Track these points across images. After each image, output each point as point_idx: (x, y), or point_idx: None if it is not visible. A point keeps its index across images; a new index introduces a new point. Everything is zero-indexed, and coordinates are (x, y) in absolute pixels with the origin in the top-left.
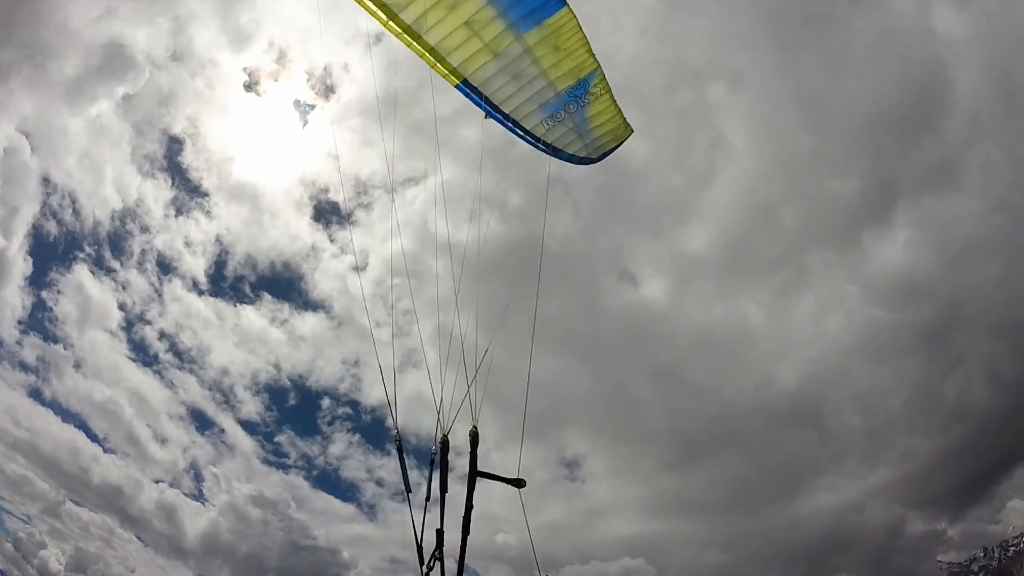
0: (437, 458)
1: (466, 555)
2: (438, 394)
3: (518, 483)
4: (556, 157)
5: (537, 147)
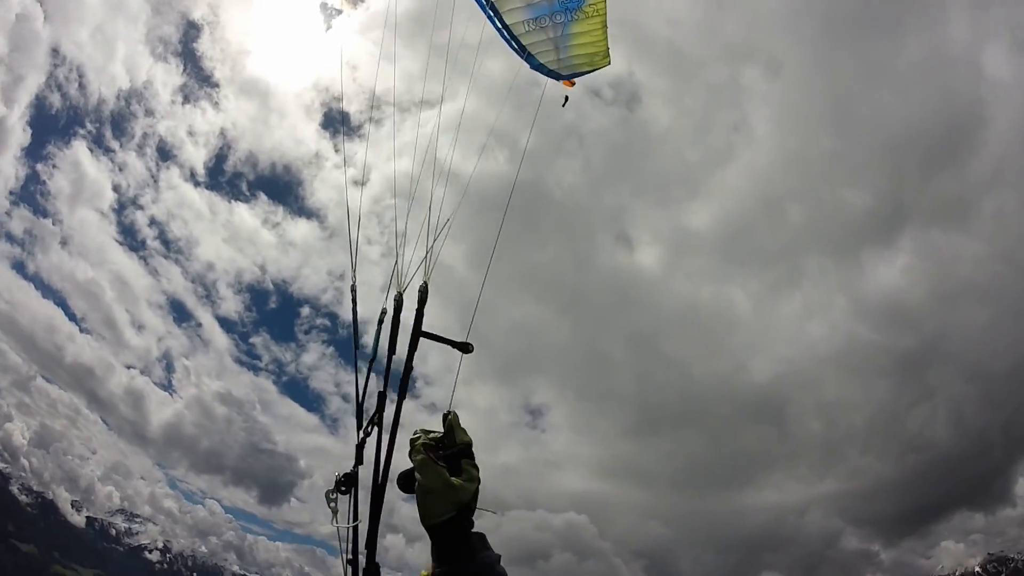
0: (388, 316)
1: (400, 420)
2: (397, 249)
3: (464, 347)
4: (527, 62)
5: (510, 45)
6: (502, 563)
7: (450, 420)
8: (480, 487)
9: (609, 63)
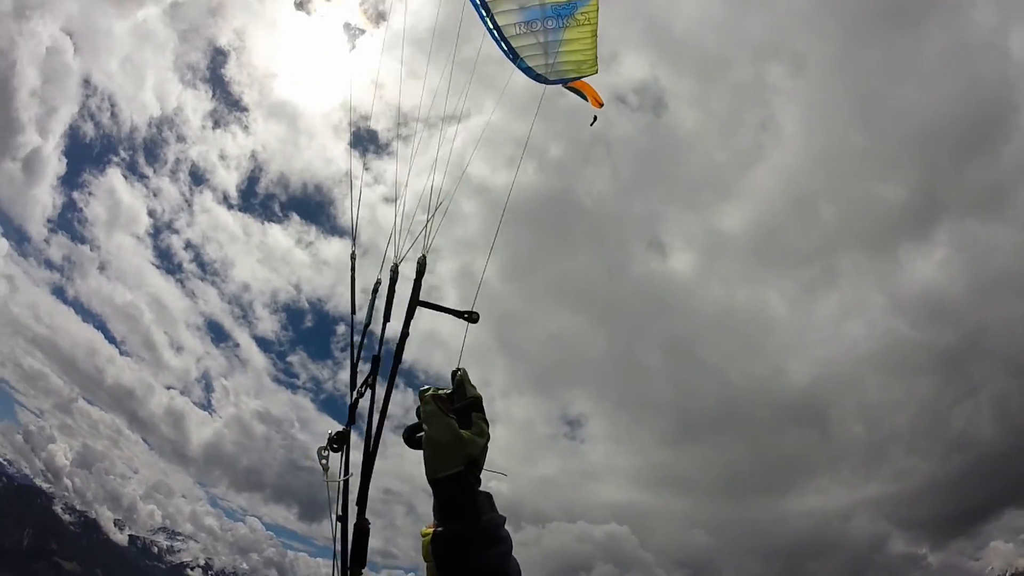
0: (383, 287)
1: (395, 382)
2: (398, 220)
3: (470, 317)
4: (513, 63)
5: (500, 46)
6: (519, 567)
7: (460, 376)
8: (489, 443)
9: (596, 71)
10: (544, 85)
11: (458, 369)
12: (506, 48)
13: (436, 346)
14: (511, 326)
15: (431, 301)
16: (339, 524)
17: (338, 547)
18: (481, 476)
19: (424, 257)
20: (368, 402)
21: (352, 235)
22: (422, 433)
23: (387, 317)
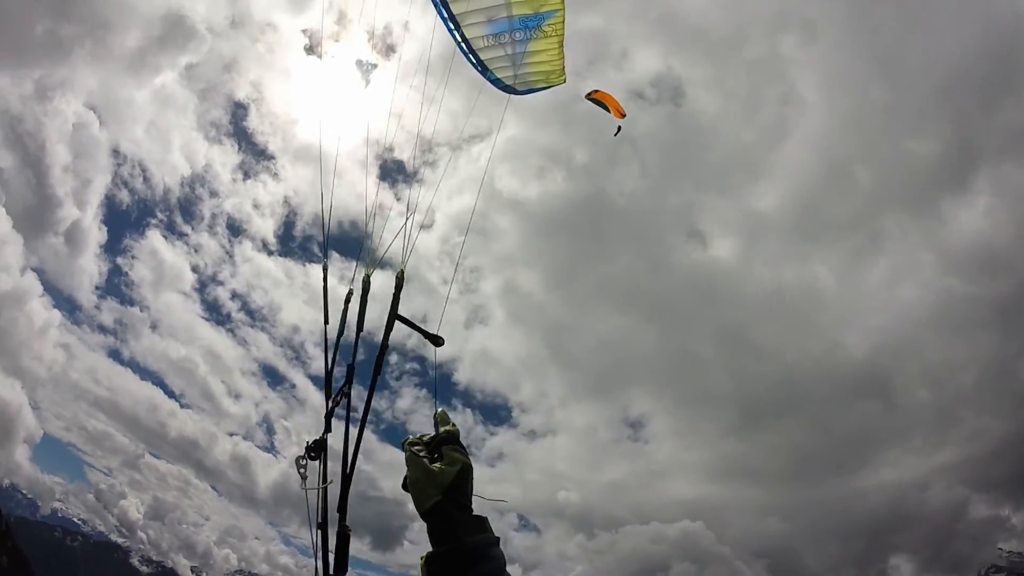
0: (356, 296)
1: (373, 394)
2: (370, 229)
3: (436, 340)
4: (482, 75)
5: (468, 59)
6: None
7: (436, 416)
8: (467, 469)
9: (564, 81)
10: (512, 95)
11: (436, 411)
12: (475, 61)
13: (489, 365)
14: (561, 335)
15: (407, 318)
16: (319, 532)
17: (319, 554)
18: (473, 501)
19: (402, 272)
20: (349, 410)
21: (323, 250)
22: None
23: (360, 327)
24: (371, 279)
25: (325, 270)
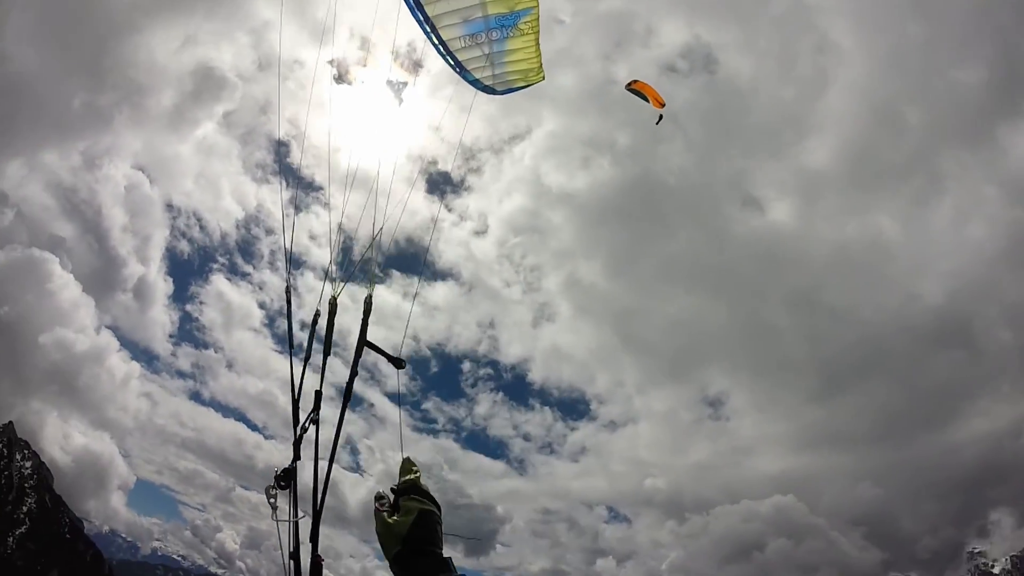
0: (323, 320)
1: (343, 422)
2: (335, 250)
3: (398, 363)
4: (461, 77)
5: (447, 61)
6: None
7: (400, 467)
8: (425, 515)
9: (543, 79)
10: (491, 95)
11: (403, 460)
12: (453, 63)
13: (561, 360)
14: (630, 321)
15: (373, 343)
16: (292, 562)
17: None
18: (442, 538)
19: (370, 296)
20: (324, 436)
21: (286, 269)
22: None
23: (327, 351)
24: (337, 300)
25: (288, 292)
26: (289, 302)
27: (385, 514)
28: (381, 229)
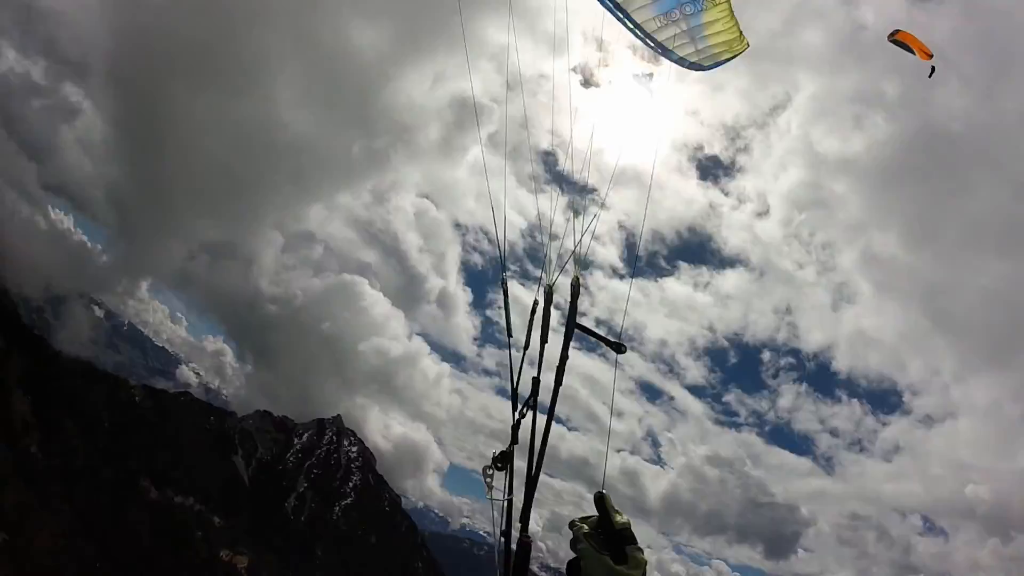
0: (540, 308)
1: (556, 405)
2: (548, 243)
3: (618, 347)
4: (665, 57)
5: (646, 43)
6: None
7: (605, 504)
8: (647, 568)
9: (748, 46)
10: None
11: (600, 493)
12: (653, 44)
13: (867, 346)
14: (938, 297)
15: (585, 326)
16: (503, 539)
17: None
18: None
19: (577, 279)
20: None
21: (501, 262)
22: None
23: (544, 339)
24: (553, 289)
25: (504, 284)
26: (506, 293)
27: (607, 557)
28: (596, 216)
